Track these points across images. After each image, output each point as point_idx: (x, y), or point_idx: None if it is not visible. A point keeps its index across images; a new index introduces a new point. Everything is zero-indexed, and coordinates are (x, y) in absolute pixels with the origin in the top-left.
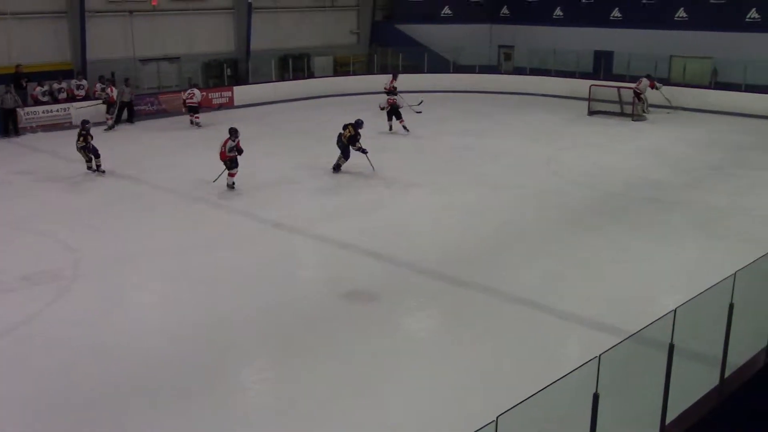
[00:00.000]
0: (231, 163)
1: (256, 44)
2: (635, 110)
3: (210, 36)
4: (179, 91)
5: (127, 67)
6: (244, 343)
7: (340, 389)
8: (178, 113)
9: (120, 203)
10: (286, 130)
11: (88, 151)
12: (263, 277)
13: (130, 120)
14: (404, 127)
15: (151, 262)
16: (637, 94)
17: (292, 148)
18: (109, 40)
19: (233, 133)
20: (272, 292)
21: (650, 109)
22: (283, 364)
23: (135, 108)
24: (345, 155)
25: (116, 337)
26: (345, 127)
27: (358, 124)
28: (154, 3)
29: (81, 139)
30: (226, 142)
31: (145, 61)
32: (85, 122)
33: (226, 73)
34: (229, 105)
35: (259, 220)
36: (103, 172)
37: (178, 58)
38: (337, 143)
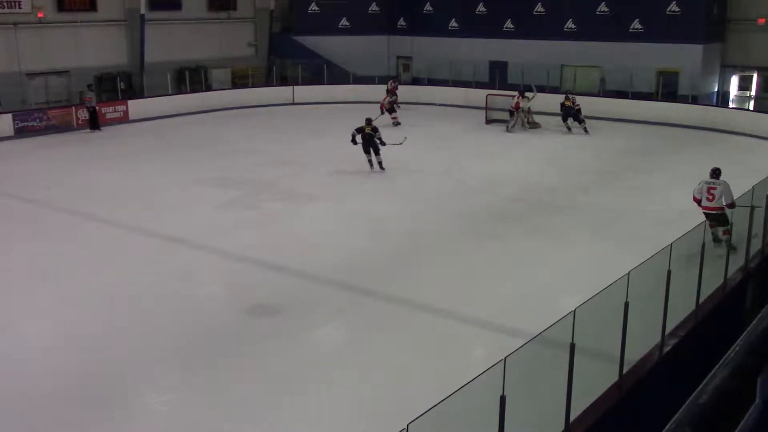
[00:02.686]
0: None
1: (150, 57)
2: (528, 121)
3: (101, 48)
4: (69, 106)
5: (12, 82)
6: (145, 366)
7: (247, 406)
8: (69, 129)
9: (5, 222)
10: (183, 145)
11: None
12: (161, 296)
13: (95, 126)
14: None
15: (40, 285)
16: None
17: (189, 163)
18: None
19: None
20: (172, 310)
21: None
22: (187, 384)
23: (23, 124)
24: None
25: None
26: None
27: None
28: (40, 15)
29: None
30: None
31: (31, 75)
32: (369, 120)
33: (119, 86)
34: (124, 119)
35: (155, 237)
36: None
37: (68, 71)
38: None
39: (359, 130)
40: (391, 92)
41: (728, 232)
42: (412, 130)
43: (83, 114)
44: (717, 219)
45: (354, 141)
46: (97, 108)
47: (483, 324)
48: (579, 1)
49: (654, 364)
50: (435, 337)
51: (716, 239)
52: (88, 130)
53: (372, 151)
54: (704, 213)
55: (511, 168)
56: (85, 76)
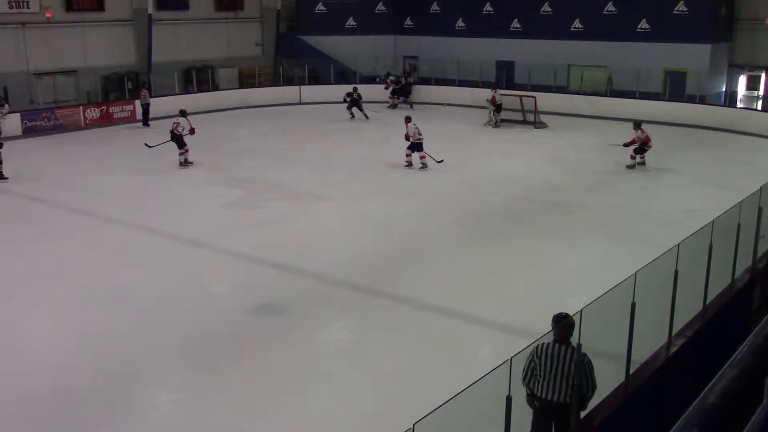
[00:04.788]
0: None
1: (157, 56)
2: (535, 121)
3: (109, 48)
4: (77, 106)
5: (20, 82)
6: (152, 365)
7: (253, 406)
8: (77, 128)
9: (12, 222)
10: (190, 144)
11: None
12: (168, 295)
13: (146, 123)
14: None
15: (47, 284)
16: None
17: (196, 162)
18: (0, 53)
19: None
20: (178, 309)
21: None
22: (194, 383)
23: (31, 123)
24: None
25: (4, 366)
26: None
27: None
28: (48, 15)
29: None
30: None
31: (39, 74)
32: (356, 88)
33: (126, 86)
34: (131, 119)
35: (161, 236)
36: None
37: (75, 71)
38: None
39: (349, 95)
40: (387, 87)
41: None
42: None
43: (92, 113)
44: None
45: (345, 100)
46: (150, 105)
47: (489, 324)
48: (586, 0)
49: (661, 364)
50: (441, 336)
51: None
52: (141, 125)
53: (357, 108)
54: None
55: (518, 168)
56: (92, 75)
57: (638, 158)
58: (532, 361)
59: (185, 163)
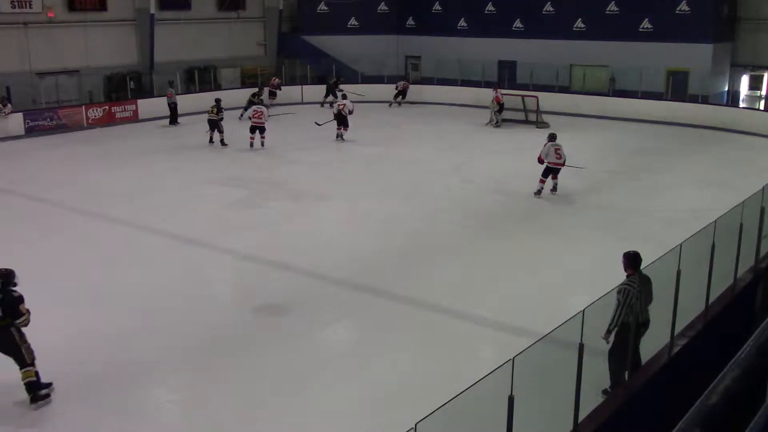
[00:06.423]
0: None
1: (160, 56)
2: (537, 120)
3: (111, 48)
4: (79, 106)
5: (22, 81)
6: (155, 364)
7: (256, 405)
8: (79, 128)
9: (13, 221)
10: (192, 144)
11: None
12: (170, 295)
13: (174, 121)
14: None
15: (50, 284)
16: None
17: (198, 162)
18: (2, 53)
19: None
20: (181, 309)
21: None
22: (197, 383)
23: (33, 123)
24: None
25: (4, 366)
26: None
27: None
28: (50, 15)
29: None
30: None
31: (42, 74)
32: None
33: (129, 86)
34: (134, 119)
35: (165, 236)
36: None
37: (78, 71)
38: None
39: (255, 95)
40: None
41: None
42: (421, 130)
43: (94, 113)
44: (559, 170)
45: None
46: (177, 103)
47: (491, 324)
48: (588, 0)
49: (663, 364)
50: (443, 336)
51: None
52: (167, 124)
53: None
54: (552, 168)
55: (521, 167)
56: (95, 75)
57: (548, 181)
58: (633, 297)
59: (342, 139)
